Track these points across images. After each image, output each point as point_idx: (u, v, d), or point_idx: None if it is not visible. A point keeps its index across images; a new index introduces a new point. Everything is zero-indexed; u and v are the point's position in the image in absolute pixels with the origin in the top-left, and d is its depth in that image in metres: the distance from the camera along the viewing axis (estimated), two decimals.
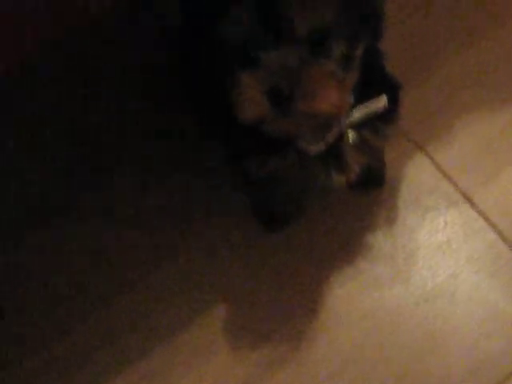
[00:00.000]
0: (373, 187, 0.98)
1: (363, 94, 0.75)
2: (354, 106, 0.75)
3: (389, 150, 0.93)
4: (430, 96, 1.03)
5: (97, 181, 1.02)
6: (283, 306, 0.93)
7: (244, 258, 0.95)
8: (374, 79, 0.75)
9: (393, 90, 0.78)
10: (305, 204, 0.97)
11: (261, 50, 0.67)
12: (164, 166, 1.02)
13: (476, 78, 1.04)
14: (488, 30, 1.07)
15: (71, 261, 0.98)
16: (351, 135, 0.77)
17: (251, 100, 0.67)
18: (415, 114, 1.01)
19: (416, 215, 0.97)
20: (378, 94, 0.75)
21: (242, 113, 0.68)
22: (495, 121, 1.01)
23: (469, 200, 0.96)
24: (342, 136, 0.76)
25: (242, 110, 0.68)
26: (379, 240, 0.96)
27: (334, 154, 0.78)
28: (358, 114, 0.76)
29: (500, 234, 0.94)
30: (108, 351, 0.92)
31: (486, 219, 0.95)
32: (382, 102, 0.76)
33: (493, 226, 0.95)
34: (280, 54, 0.67)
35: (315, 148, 0.76)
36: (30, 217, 1.00)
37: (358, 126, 0.77)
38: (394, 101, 0.78)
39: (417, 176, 0.99)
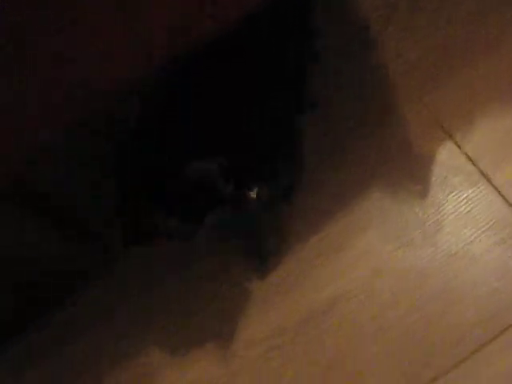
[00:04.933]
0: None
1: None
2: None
3: (426, 138, 1.06)
4: (459, 93, 1.14)
5: None
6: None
7: None
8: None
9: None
10: None
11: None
12: None
13: (498, 78, 1.15)
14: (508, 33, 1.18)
15: None
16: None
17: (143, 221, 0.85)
18: (447, 108, 1.13)
19: (443, 191, 1.09)
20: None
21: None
22: (510, 115, 1.13)
23: (487, 179, 1.09)
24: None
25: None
26: (414, 211, 1.09)
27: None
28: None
29: (511, 207, 1.07)
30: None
31: (501, 195, 1.08)
32: (253, 194, 0.89)
33: (506, 200, 1.08)
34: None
35: None
36: None
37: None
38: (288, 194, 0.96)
39: (446, 159, 1.11)
